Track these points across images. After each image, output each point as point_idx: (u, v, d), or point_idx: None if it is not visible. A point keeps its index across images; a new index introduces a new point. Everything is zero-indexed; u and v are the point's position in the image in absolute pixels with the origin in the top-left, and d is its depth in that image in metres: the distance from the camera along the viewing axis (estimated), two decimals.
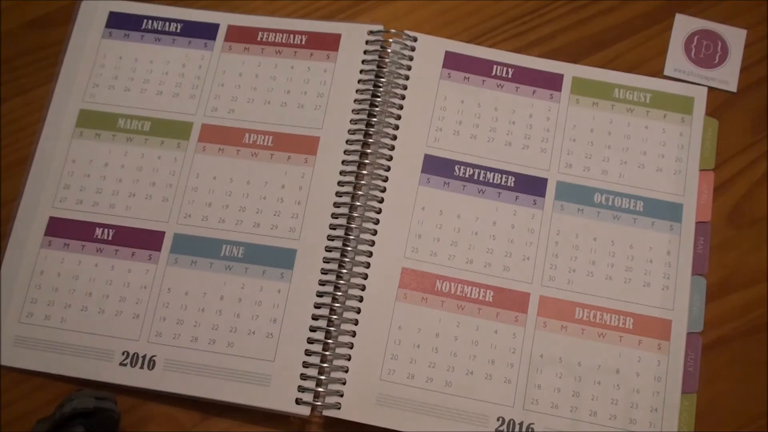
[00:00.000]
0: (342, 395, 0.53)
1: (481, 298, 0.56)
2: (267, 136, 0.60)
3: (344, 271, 0.56)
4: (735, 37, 0.62)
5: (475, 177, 0.59)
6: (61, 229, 0.59)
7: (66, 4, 0.64)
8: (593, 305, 0.56)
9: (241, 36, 0.63)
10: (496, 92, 0.61)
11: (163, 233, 0.58)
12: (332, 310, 0.56)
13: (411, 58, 0.62)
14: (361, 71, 0.61)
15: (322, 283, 0.56)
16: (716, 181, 0.59)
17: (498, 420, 0.53)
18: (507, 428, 0.53)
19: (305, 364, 0.54)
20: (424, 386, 0.54)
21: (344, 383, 0.54)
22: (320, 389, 0.53)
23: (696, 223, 0.58)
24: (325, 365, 0.54)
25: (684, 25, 0.63)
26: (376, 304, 0.56)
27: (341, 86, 0.61)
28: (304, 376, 0.54)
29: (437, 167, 0.59)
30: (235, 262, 0.57)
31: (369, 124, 0.60)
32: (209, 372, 0.54)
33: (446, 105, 0.61)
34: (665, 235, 0.57)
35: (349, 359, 0.54)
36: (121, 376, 0.55)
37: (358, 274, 0.56)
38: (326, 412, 0.53)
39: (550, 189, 0.58)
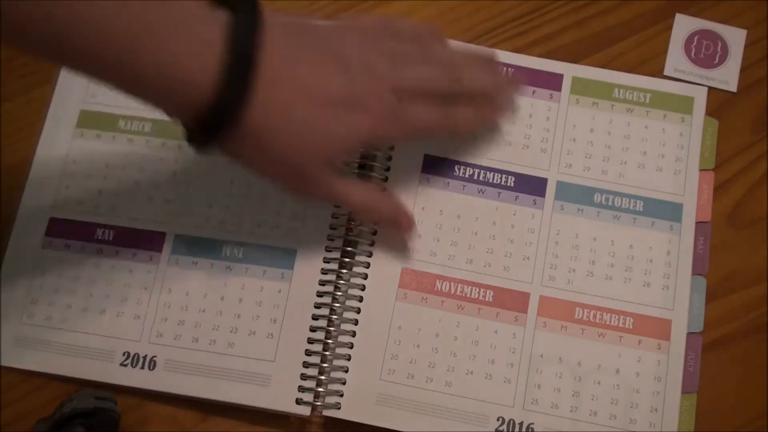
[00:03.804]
0: (342, 395, 0.53)
1: (480, 298, 0.56)
2: None
3: (344, 271, 0.56)
4: (735, 37, 0.62)
5: (475, 177, 0.59)
6: (61, 229, 0.59)
7: None
8: (593, 305, 0.56)
9: None
10: None
11: (164, 234, 0.58)
12: (332, 310, 0.56)
13: None
14: None
15: (322, 283, 0.56)
16: (716, 181, 0.59)
17: (498, 420, 0.53)
18: (507, 428, 0.53)
19: (305, 364, 0.54)
20: (424, 386, 0.54)
21: (344, 383, 0.54)
22: (320, 389, 0.53)
23: (696, 223, 0.58)
24: (325, 365, 0.54)
25: (684, 25, 0.63)
26: (376, 304, 0.56)
27: None
28: (304, 376, 0.54)
29: (437, 167, 0.59)
30: (235, 262, 0.57)
31: None
32: (210, 372, 0.54)
33: None
34: (665, 235, 0.57)
35: (349, 359, 0.54)
36: (122, 376, 0.55)
37: (358, 274, 0.56)
38: (326, 412, 0.53)
39: (550, 189, 0.58)
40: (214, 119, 0.45)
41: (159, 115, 0.60)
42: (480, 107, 0.57)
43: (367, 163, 0.58)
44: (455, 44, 0.59)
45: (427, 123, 0.52)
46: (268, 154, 0.48)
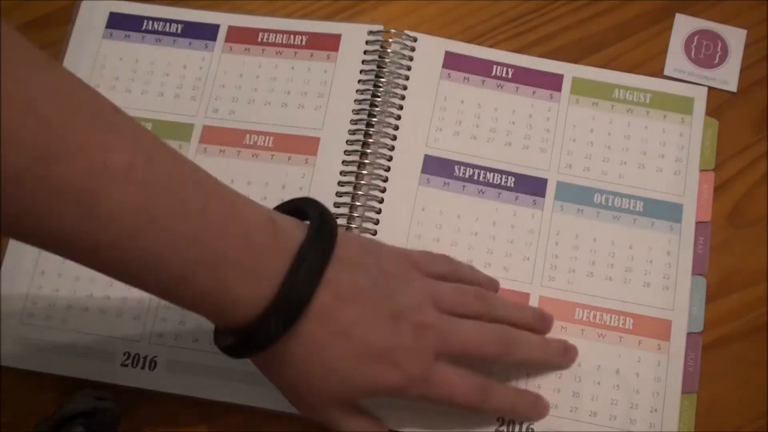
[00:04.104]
0: None
1: None
2: (267, 137, 0.60)
3: None
4: (735, 37, 0.62)
5: (475, 177, 0.59)
6: None
7: (66, 4, 0.64)
8: (593, 305, 0.56)
9: (241, 37, 0.63)
10: (496, 92, 0.61)
11: None
12: None
13: (411, 58, 0.62)
14: (361, 71, 0.61)
15: None
16: (716, 181, 0.59)
17: (498, 420, 0.53)
18: (507, 428, 0.53)
19: None
20: None
21: None
22: None
23: (696, 223, 0.58)
24: None
25: (684, 25, 0.63)
26: None
27: (341, 86, 0.61)
28: None
29: (437, 167, 0.59)
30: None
31: (369, 124, 0.60)
32: (210, 372, 0.55)
33: (446, 105, 0.61)
34: (665, 235, 0.57)
35: None
36: (123, 376, 0.55)
37: None
38: None
39: (550, 189, 0.58)
40: (249, 340, 0.44)
41: (159, 115, 0.61)
42: (521, 394, 0.54)
43: (368, 163, 0.59)
44: (513, 301, 0.56)
45: (458, 397, 0.49)
46: (286, 378, 0.47)
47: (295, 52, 0.62)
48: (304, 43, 0.62)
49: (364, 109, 0.60)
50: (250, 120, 0.61)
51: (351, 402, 0.49)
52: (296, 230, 0.45)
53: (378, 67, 0.61)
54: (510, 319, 0.52)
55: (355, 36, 0.62)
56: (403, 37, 0.62)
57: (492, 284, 0.56)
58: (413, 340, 0.47)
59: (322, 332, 0.45)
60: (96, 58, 0.63)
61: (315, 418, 0.49)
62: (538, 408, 0.53)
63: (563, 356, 0.54)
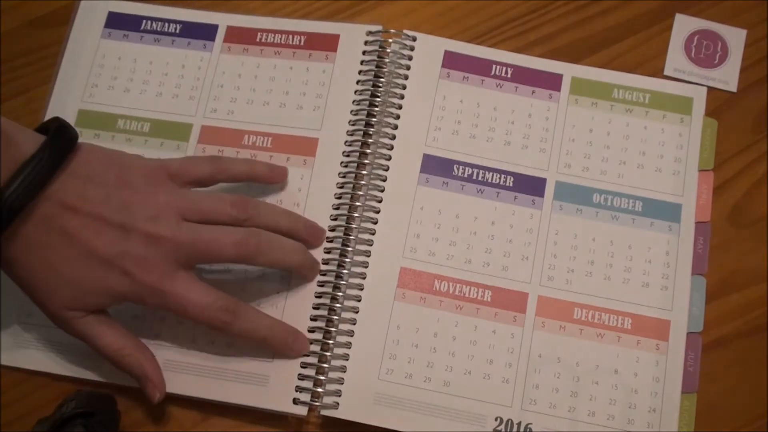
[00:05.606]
0: (340, 395, 0.53)
1: (479, 298, 0.56)
2: (266, 138, 0.60)
3: (343, 271, 0.56)
4: (735, 37, 0.62)
5: (474, 177, 0.59)
6: None
7: (66, 3, 0.64)
8: (592, 305, 0.56)
9: (240, 37, 0.63)
10: (495, 92, 0.61)
11: None
12: (331, 310, 0.56)
13: (410, 58, 0.62)
14: (359, 72, 0.61)
15: (320, 283, 0.56)
16: (716, 181, 0.59)
17: (496, 420, 0.53)
18: (505, 428, 0.53)
19: (303, 364, 0.54)
20: (422, 386, 0.54)
21: (342, 383, 0.54)
22: (318, 389, 0.53)
23: (695, 223, 0.58)
24: (323, 365, 0.54)
25: (684, 25, 0.63)
26: (374, 304, 0.56)
27: (340, 87, 0.61)
28: (301, 376, 0.54)
29: (436, 167, 0.59)
30: (234, 263, 0.57)
31: (368, 124, 0.60)
32: (208, 372, 0.54)
33: (445, 105, 0.61)
34: (664, 235, 0.57)
35: (347, 359, 0.54)
36: (123, 376, 0.54)
37: (357, 274, 0.56)
38: (324, 412, 0.53)
39: (549, 189, 0.58)
40: None
41: (157, 115, 0.61)
42: (278, 326, 0.54)
43: (367, 163, 0.59)
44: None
45: (192, 310, 0.50)
46: (26, 284, 0.50)
47: (294, 53, 0.62)
48: (302, 43, 0.62)
49: (363, 110, 0.60)
50: (248, 120, 0.61)
51: (91, 308, 0.51)
52: (29, 145, 0.47)
53: (377, 67, 0.61)
54: (278, 227, 0.54)
55: (353, 36, 0.62)
56: (402, 36, 0.62)
57: (274, 171, 0.57)
58: (144, 250, 0.49)
59: (45, 236, 0.48)
60: (94, 57, 0.63)
61: (58, 326, 0.52)
62: (295, 345, 0.54)
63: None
